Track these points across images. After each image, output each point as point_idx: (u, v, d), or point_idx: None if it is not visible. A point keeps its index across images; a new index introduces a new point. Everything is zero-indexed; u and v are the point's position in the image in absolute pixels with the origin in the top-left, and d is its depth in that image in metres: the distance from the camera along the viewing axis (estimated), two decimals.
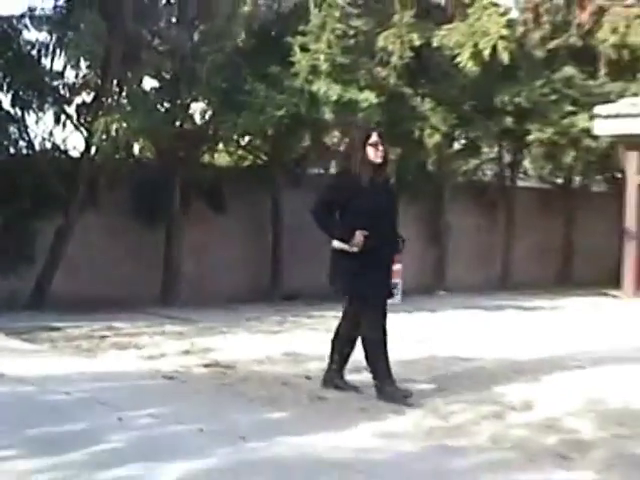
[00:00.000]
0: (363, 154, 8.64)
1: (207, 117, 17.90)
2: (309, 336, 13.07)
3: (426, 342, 12.74)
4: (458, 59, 18.83)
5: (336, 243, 8.66)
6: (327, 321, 14.73)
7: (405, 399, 8.67)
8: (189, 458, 6.74)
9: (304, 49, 17.22)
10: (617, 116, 21.24)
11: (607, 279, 21.43)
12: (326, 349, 11.78)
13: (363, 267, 8.63)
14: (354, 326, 9.00)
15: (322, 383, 9.27)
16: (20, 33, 16.00)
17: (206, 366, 10.56)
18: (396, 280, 18.71)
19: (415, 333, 13.72)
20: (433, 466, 6.88)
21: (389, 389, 8.80)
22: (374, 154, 8.65)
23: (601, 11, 22.40)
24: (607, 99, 21.94)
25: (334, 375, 9.24)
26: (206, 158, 19.00)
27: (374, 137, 8.68)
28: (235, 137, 19.22)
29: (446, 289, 20.30)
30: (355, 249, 8.48)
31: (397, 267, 18.69)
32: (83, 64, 16.50)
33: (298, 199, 18.35)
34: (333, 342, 9.35)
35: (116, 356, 11.18)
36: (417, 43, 18.33)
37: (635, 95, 22.15)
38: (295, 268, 18.25)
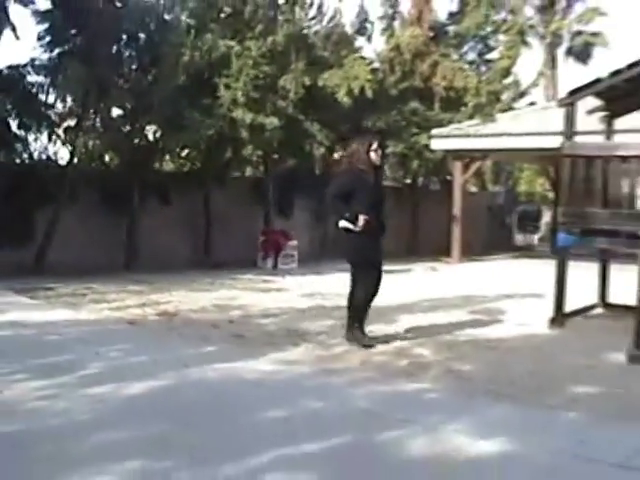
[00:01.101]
0: (367, 157, 8.57)
1: (157, 136, 17.77)
2: (231, 292, 13.06)
3: (315, 295, 12.80)
4: (337, 95, 18.89)
5: (342, 223, 8.45)
6: (243, 282, 14.82)
7: (368, 343, 8.52)
8: (147, 379, 6.82)
9: (227, 87, 17.20)
10: (447, 136, 21.68)
11: (441, 250, 21.73)
12: (243, 301, 11.87)
13: (365, 242, 8.52)
14: (364, 287, 8.78)
15: (347, 339, 8.71)
16: (24, 77, 16.15)
17: (158, 315, 10.53)
18: (294, 252, 18.85)
19: (306, 289, 13.78)
20: (319, 383, 7.01)
21: (359, 334, 8.65)
22: (375, 157, 8.62)
23: (436, 64, 22.69)
24: (440, 124, 22.35)
25: (357, 332, 8.69)
26: (157, 165, 18.87)
27: (375, 144, 8.64)
28: (177, 150, 19.19)
29: (329, 257, 20.33)
30: (358, 229, 8.34)
31: (294, 243, 18.84)
32: (69, 99, 16.81)
33: (223, 195, 18.39)
34: (350, 306, 8.88)
35: (93, 308, 11.09)
36: (308, 83, 18.33)
37: (459, 122, 22.51)
38: (221, 244, 18.26)
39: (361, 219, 8.31)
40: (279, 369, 7.45)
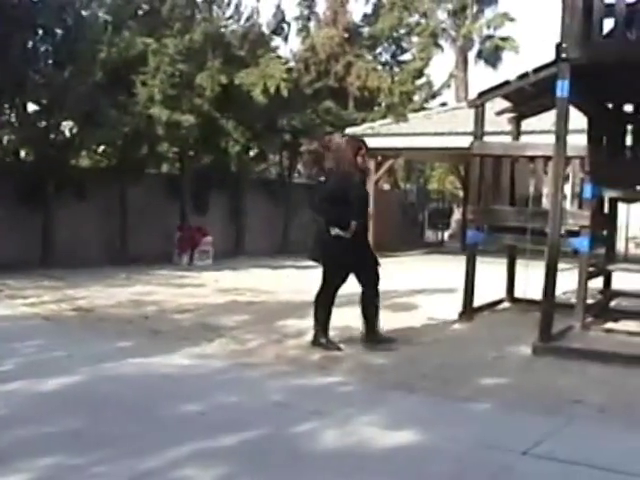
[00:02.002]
0: (355, 161, 8.46)
1: (73, 132, 17.47)
2: (147, 288, 12.93)
3: (230, 291, 12.75)
4: (253, 93, 18.85)
5: (335, 231, 8.22)
6: (159, 278, 14.69)
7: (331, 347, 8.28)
8: (62, 375, 6.71)
9: (144, 84, 16.99)
10: (360, 135, 21.68)
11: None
12: (159, 296, 11.76)
13: (351, 247, 8.30)
14: (334, 292, 8.57)
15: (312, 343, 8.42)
16: None
17: (73, 310, 10.37)
18: (209, 248, 18.75)
19: (222, 285, 13.73)
20: (233, 377, 7.01)
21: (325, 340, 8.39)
22: (361, 162, 8.54)
23: (350, 64, 22.83)
24: (354, 123, 22.51)
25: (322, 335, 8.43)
26: (73, 161, 18.54)
27: (363, 149, 8.56)
28: (94, 146, 18.90)
29: (244, 253, 20.34)
30: (349, 235, 8.19)
31: (209, 239, 18.74)
32: None
33: (139, 191, 18.17)
34: (317, 308, 8.60)
35: (8, 304, 10.87)
36: (224, 81, 18.24)
37: (372, 121, 22.70)
38: (137, 240, 18.03)
39: (352, 225, 8.19)
40: (194, 364, 7.41)
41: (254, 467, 4.77)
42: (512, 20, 35.62)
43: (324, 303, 8.48)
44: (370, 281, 8.55)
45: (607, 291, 11.65)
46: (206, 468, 4.67)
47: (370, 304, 8.50)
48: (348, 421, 5.67)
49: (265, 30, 22.04)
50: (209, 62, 18.27)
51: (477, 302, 10.57)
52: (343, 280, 8.49)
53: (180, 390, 6.45)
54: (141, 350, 7.89)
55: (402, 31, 26.87)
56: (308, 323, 9.63)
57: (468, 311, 10.30)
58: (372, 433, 5.39)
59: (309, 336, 8.74)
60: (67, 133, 17.60)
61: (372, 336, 8.45)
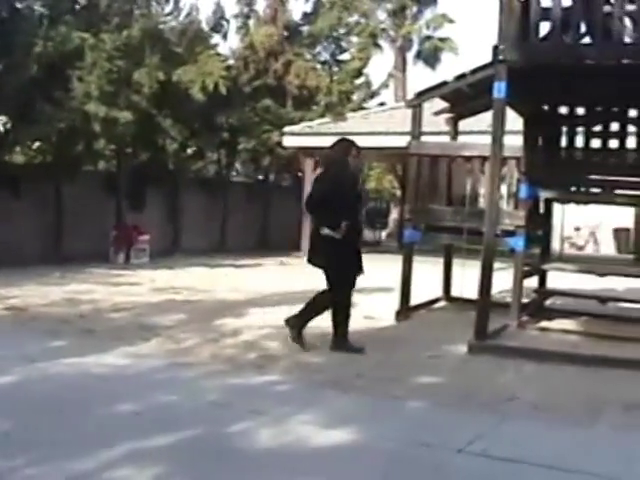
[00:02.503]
0: (346, 162, 8.36)
1: (7, 127, 17.18)
2: (82, 287, 12.75)
3: (166, 289, 12.65)
4: (191, 91, 18.74)
5: (325, 231, 8.10)
6: (95, 276, 14.53)
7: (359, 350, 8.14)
8: None
9: (80, 79, 16.75)
10: (299, 134, 21.85)
11: (292, 245, 21.82)
12: (94, 295, 11.62)
13: (343, 248, 8.18)
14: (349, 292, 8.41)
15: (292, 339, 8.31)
16: None
17: (6, 309, 10.18)
18: (145, 246, 18.60)
19: (158, 284, 13.62)
20: (169, 376, 6.96)
21: (344, 341, 8.28)
22: (352, 162, 8.43)
23: (289, 62, 22.80)
24: (292, 122, 22.50)
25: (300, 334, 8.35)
26: (6, 158, 18.23)
27: (354, 150, 8.44)
28: (28, 142, 18.61)
29: (181, 252, 20.18)
30: (338, 236, 8.05)
31: (145, 237, 18.58)
32: None
33: (75, 188, 17.91)
34: (335, 310, 8.38)
35: None
36: (162, 78, 18.08)
37: (310, 120, 22.72)
38: (72, 238, 17.78)
39: (343, 226, 8.07)
40: (130, 363, 7.33)
41: (189, 467, 4.73)
42: (451, 21, 35.92)
43: (344, 304, 8.36)
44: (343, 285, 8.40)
45: (542, 290, 11.80)
46: (141, 469, 4.62)
47: (339, 311, 8.34)
48: (284, 420, 5.66)
49: (204, 27, 21.94)
50: (147, 58, 18.08)
51: (414, 301, 10.63)
52: (351, 277, 8.41)
53: (115, 390, 6.37)
54: (75, 350, 7.78)
55: (342, 30, 26.83)
56: (245, 322, 9.63)
57: (404, 310, 10.34)
58: (308, 432, 5.38)
59: (246, 335, 8.73)
60: (1, 128, 17.30)
61: (339, 343, 8.27)
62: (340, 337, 8.23)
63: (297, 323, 8.37)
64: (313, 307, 8.44)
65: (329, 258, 8.20)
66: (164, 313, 10.23)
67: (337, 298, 8.31)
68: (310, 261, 8.47)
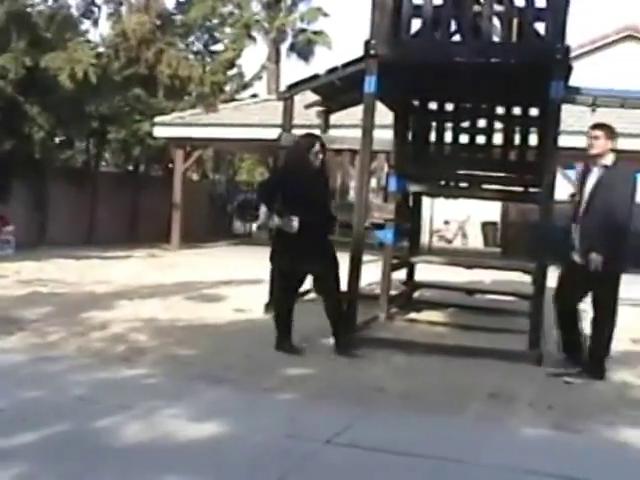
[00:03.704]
0: (307, 158, 8.01)
1: None
2: None
3: (32, 282, 12.34)
4: (59, 78, 18.32)
5: (276, 220, 7.87)
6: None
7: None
8: None
9: None
10: (170, 124, 21.65)
11: (162, 237, 21.63)
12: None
13: (292, 245, 7.90)
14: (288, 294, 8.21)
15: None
16: None
17: None
18: (10, 237, 18.08)
19: (24, 276, 13.27)
20: (34, 371, 6.80)
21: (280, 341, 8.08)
22: (314, 159, 8.04)
23: (161, 52, 22.52)
24: (163, 112, 22.30)
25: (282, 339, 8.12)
26: None
27: (317, 146, 8.06)
28: None
29: (48, 243, 19.71)
30: (291, 231, 7.77)
31: (10, 228, 18.07)
32: None
33: None
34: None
35: None
36: (29, 64, 17.64)
37: (182, 111, 22.56)
38: None
39: (295, 222, 7.82)
40: None
41: (55, 464, 4.64)
42: (326, 15, 36.15)
43: (276, 306, 8.32)
44: (326, 288, 8.21)
45: (411, 282, 12.01)
46: (4, 468, 4.50)
47: (332, 312, 8.19)
48: (153, 414, 5.60)
49: (74, 12, 21.48)
50: (13, 43, 17.60)
51: None
52: (293, 280, 8.17)
53: None
54: None
55: (215, 21, 26.70)
56: (112, 315, 9.48)
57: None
58: (177, 425, 5.35)
59: (114, 328, 8.59)
60: None
61: (342, 340, 8.11)
62: (277, 336, 8.13)
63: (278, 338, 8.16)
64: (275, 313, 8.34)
65: (274, 252, 8.16)
66: (29, 306, 9.96)
67: (275, 294, 8.32)
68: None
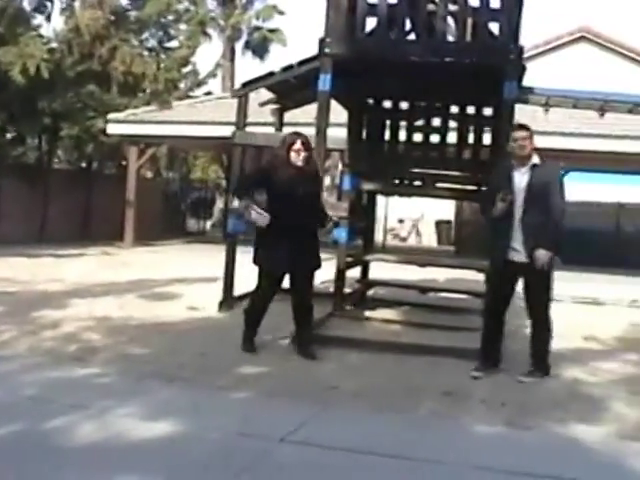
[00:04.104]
0: (287, 156, 7.79)
1: None
2: None
3: None
4: (11, 73, 18.12)
5: (253, 214, 7.71)
6: None
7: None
8: None
9: None
10: (123, 121, 21.51)
11: (115, 235, 21.48)
12: None
13: (266, 241, 7.78)
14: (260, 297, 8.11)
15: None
16: None
17: None
18: None
19: None
20: None
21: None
22: (295, 157, 7.78)
23: (115, 48, 22.35)
24: (117, 109, 22.13)
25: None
26: None
27: (297, 144, 7.80)
28: None
29: None
30: (260, 224, 7.66)
31: None
32: None
33: None
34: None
35: None
36: None
37: (136, 108, 22.43)
38: None
39: (265, 217, 7.69)
40: None
41: (6, 465, 4.57)
42: (281, 13, 36.07)
43: (250, 303, 8.24)
44: (301, 288, 8.06)
45: (365, 280, 12.05)
46: None
47: (303, 312, 8.08)
48: (106, 413, 5.56)
49: (26, 7, 21.24)
50: None
51: (238, 291, 10.64)
52: (272, 279, 8.02)
53: None
54: None
55: (170, 17, 26.58)
56: (65, 313, 9.39)
57: (228, 300, 10.33)
58: (130, 425, 5.31)
59: (66, 327, 8.52)
60: None
61: (304, 343, 7.98)
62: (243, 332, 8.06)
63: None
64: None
65: (257, 251, 7.99)
66: None
67: (252, 293, 8.24)
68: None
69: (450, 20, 9.41)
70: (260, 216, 7.72)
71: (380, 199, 12.54)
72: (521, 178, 7.38)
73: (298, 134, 8.02)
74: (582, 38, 27.82)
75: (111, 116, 21.58)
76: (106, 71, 22.48)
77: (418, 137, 11.46)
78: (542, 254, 7.18)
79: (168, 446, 4.98)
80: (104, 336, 8.19)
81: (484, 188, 9.07)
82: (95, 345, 7.81)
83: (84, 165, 25.68)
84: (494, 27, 9.05)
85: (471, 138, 11.18)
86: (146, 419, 5.44)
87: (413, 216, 28.49)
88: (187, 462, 4.76)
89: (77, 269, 14.52)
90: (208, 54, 39.33)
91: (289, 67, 10.08)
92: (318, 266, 8.07)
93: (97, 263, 16.46)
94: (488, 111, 11.01)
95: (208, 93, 28.01)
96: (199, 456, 4.85)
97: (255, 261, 7.92)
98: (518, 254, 7.33)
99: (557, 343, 8.19)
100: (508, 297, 7.52)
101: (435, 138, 11.38)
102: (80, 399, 5.89)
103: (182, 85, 26.50)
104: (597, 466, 5.04)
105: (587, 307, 12.28)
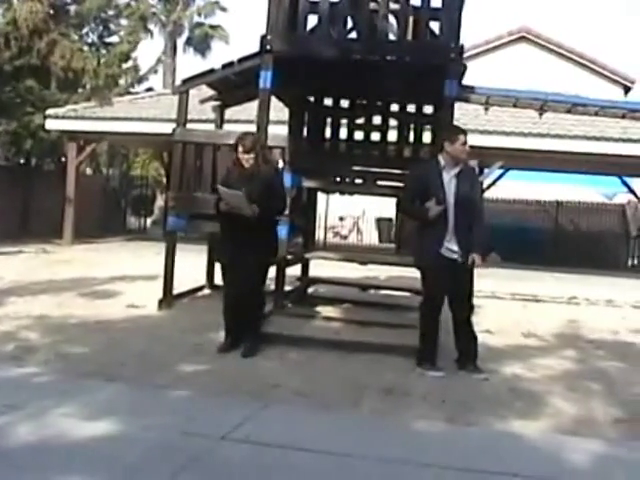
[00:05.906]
0: (236, 157, 7.84)
1: None
2: None
3: None
4: None
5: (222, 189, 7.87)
6: None
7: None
8: None
9: None
10: (63, 117, 21.25)
11: (54, 232, 21.19)
12: None
13: (229, 240, 8.03)
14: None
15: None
16: None
17: None
18: None
19: None
20: None
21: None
22: (242, 158, 7.76)
23: (55, 42, 22.04)
24: (57, 105, 21.85)
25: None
26: None
27: (240, 148, 7.77)
28: None
29: None
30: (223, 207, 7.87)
31: None
32: None
33: None
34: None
35: None
36: None
37: (76, 103, 22.18)
38: None
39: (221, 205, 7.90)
40: None
41: None
42: (223, 9, 36.02)
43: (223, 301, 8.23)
44: (249, 284, 8.02)
45: (305, 278, 12.04)
46: None
47: (250, 310, 8.10)
48: (44, 413, 5.46)
49: None
50: None
51: (178, 289, 10.58)
52: (231, 275, 8.11)
53: None
54: None
55: (111, 12, 26.33)
56: (1, 312, 9.25)
57: (168, 298, 10.27)
58: (69, 425, 5.23)
59: (3, 325, 8.40)
60: None
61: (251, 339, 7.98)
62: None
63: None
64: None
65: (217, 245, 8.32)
66: None
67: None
68: None
69: (392, 19, 9.45)
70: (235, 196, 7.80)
71: (321, 197, 12.54)
72: (450, 180, 7.43)
73: (245, 135, 8.02)
74: (522, 38, 28.19)
75: (50, 112, 21.29)
76: (45, 66, 22.16)
77: (359, 135, 11.50)
78: (477, 257, 7.31)
79: (108, 446, 4.92)
80: (42, 335, 8.07)
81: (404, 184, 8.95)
82: (33, 344, 7.69)
83: (22, 161, 25.29)
84: (435, 26, 9.11)
85: (412, 136, 11.25)
86: (85, 419, 5.37)
87: (354, 214, 28.54)
88: (127, 462, 4.70)
89: (14, 267, 14.30)
90: (149, 50, 39.12)
91: (230, 64, 10.02)
92: (267, 264, 8.17)
93: (35, 261, 16.22)
94: (429, 109, 11.08)
95: (149, 89, 27.81)
96: (139, 456, 4.80)
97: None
98: (453, 254, 7.41)
99: (497, 340, 8.32)
100: (445, 293, 7.58)
101: (376, 136, 11.43)
102: (17, 399, 5.78)
103: (123, 81, 26.26)
104: (537, 461, 5.09)
105: (527, 304, 12.44)
